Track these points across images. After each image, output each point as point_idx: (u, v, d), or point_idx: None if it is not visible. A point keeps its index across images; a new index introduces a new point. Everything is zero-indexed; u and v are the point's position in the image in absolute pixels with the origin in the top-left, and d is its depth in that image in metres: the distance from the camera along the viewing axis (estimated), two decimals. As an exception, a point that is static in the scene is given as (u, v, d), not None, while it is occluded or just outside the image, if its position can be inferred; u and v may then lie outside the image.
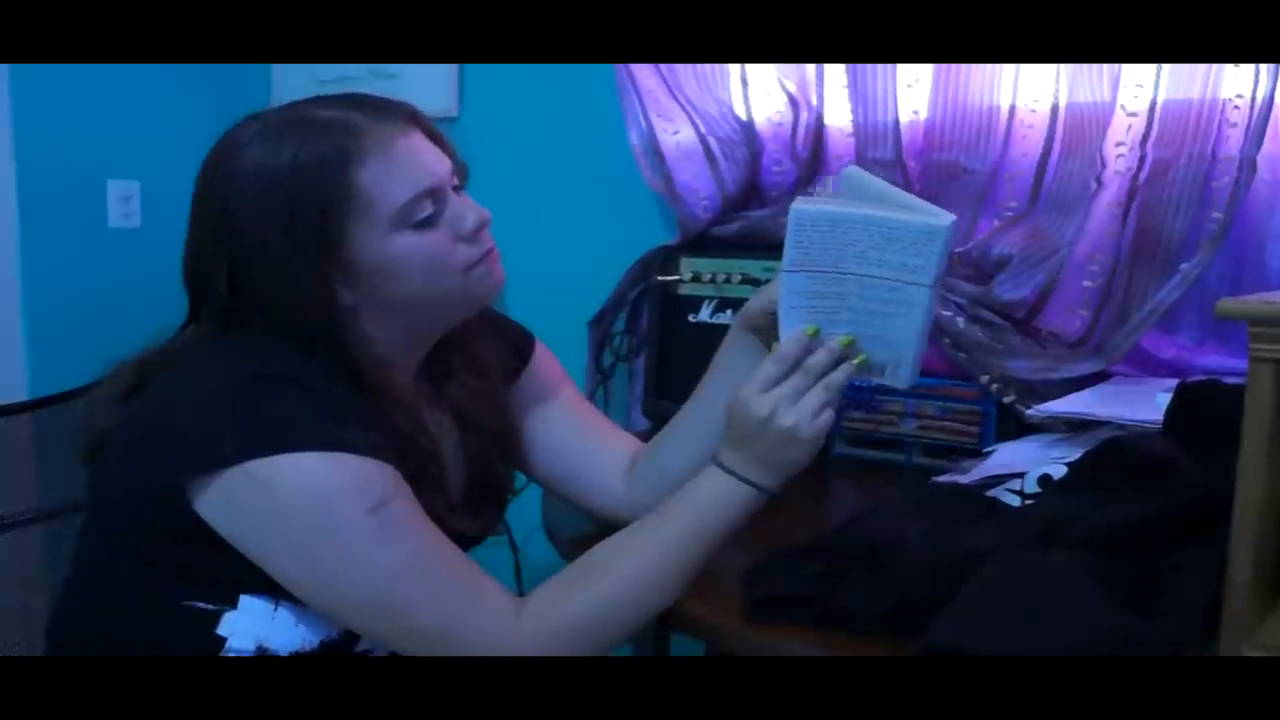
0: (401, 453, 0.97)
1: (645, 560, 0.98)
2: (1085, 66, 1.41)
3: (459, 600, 0.94)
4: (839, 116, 1.65)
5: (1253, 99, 1.30)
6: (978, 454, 1.41)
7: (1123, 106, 1.40)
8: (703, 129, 1.75)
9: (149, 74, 2.16)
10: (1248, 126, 1.31)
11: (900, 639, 0.89)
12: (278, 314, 0.97)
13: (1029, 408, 1.39)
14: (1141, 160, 1.40)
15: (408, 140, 0.99)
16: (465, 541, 1.03)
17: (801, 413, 0.96)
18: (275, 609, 0.97)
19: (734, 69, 1.73)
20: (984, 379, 1.48)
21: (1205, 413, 1.02)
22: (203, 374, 0.96)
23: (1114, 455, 1.02)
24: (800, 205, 0.96)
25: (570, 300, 1.90)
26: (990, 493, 1.13)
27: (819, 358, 0.97)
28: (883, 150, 1.57)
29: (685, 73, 1.73)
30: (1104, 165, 1.42)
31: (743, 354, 1.08)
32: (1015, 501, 1.10)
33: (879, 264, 0.95)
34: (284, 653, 0.97)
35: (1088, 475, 1.04)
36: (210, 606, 0.96)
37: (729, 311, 1.68)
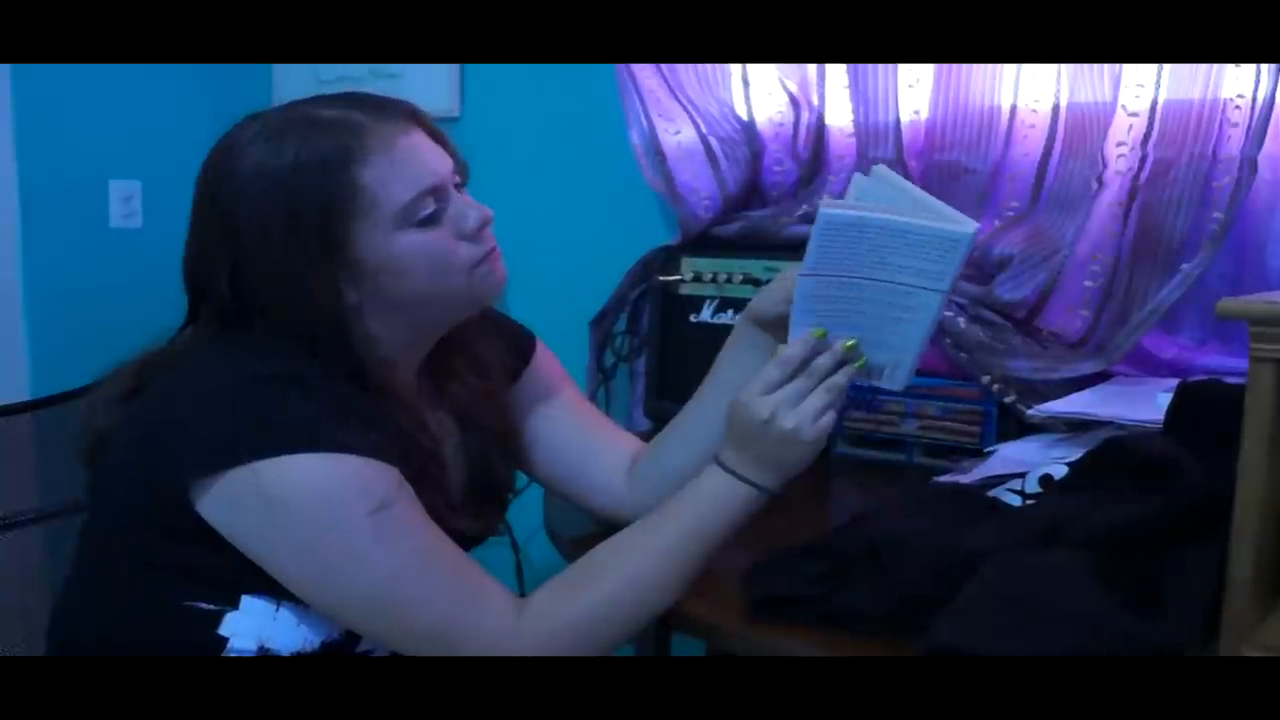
0: (403, 452, 0.97)
1: (646, 560, 0.98)
2: (1086, 67, 1.41)
3: (460, 600, 0.94)
4: (840, 116, 1.65)
5: (1254, 99, 1.30)
6: (979, 454, 1.41)
7: (1124, 106, 1.40)
8: (704, 129, 1.75)
9: (151, 74, 2.17)
10: (1249, 126, 1.31)
11: (901, 639, 0.89)
12: (280, 314, 0.97)
13: (1030, 408, 1.39)
14: (1142, 160, 1.40)
15: (409, 139, 0.99)
16: (467, 541, 1.03)
17: (802, 415, 0.96)
18: (277, 609, 0.97)
19: (735, 69, 1.73)
20: (985, 379, 1.48)
21: (1206, 413, 1.02)
22: (204, 374, 0.96)
23: (1115, 455, 1.02)
24: (828, 209, 0.94)
25: (571, 300, 1.90)
26: (991, 493, 1.13)
27: (823, 360, 0.97)
28: (884, 150, 1.58)
29: (686, 73, 1.73)
30: (1105, 165, 1.42)
31: (749, 351, 1.08)
32: (1016, 501, 1.10)
33: (898, 269, 0.94)
34: (285, 653, 0.97)
35: (1088, 475, 1.05)
36: (212, 607, 0.96)
37: (730, 311, 1.68)
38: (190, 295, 1.03)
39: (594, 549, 1.00)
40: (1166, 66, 1.37)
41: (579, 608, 0.96)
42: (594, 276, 1.89)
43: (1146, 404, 1.21)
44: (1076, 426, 1.31)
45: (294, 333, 0.96)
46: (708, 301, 1.72)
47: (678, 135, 1.78)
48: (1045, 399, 1.37)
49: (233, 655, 0.96)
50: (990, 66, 1.51)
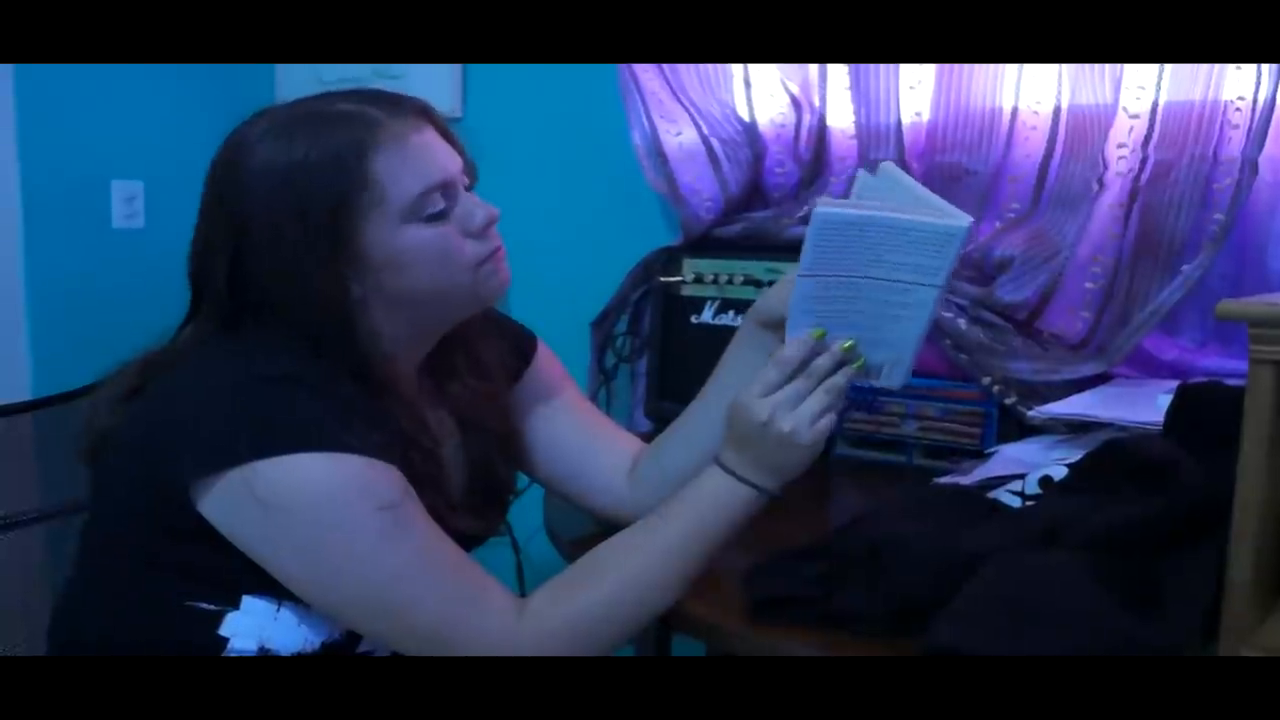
0: (404, 452, 0.97)
1: (646, 560, 0.98)
2: (1087, 69, 1.41)
3: (461, 600, 0.94)
4: (842, 118, 1.66)
5: (1254, 101, 1.30)
6: (979, 455, 1.41)
7: (1125, 108, 1.41)
8: (705, 130, 1.75)
9: (153, 74, 2.17)
10: (1249, 128, 1.31)
11: (901, 640, 0.89)
12: (284, 309, 0.97)
13: (1030, 409, 1.39)
14: (1143, 162, 1.40)
15: (421, 135, 1.00)
16: (467, 541, 1.03)
17: (800, 418, 0.96)
18: (278, 610, 0.97)
19: (737, 71, 1.73)
20: (985, 380, 1.48)
21: (1206, 414, 1.02)
22: (206, 373, 0.96)
23: (1115, 457, 1.03)
24: (824, 209, 0.93)
25: (573, 301, 1.90)
26: (991, 494, 1.13)
27: (822, 361, 0.97)
28: (885, 152, 1.58)
29: (688, 74, 1.74)
30: (1106, 167, 1.42)
31: (752, 352, 1.08)
32: (1016, 503, 1.10)
33: (894, 266, 0.94)
34: (286, 653, 0.97)
35: (1088, 477, 1.05)
36: (212, 607, 0.96)
37: (731, 313, 1.69)
38: (194, 291, 1.03)
39: (594, 549, 1.00)
40: (1167, 69, 1.37)
41: (579, 607, 0.96)
42: (595, 277, 1.89)
43: (1147, 406, 1.21)
44: (1077, 428, 1.31)
45: (298, 329, 0.97)
46: (709, 302, 1.72)
47: (679, 136, 1.78)
48: (1046, 400, 1.37)
49: (233, 655, 0.96)
50: (992, 69, 1.51)
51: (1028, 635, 0.83)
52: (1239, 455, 0.78)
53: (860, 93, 1.59)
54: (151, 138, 2.21)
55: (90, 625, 1.02)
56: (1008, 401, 1.46)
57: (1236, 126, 1.33)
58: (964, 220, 0.92)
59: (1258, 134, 1.30)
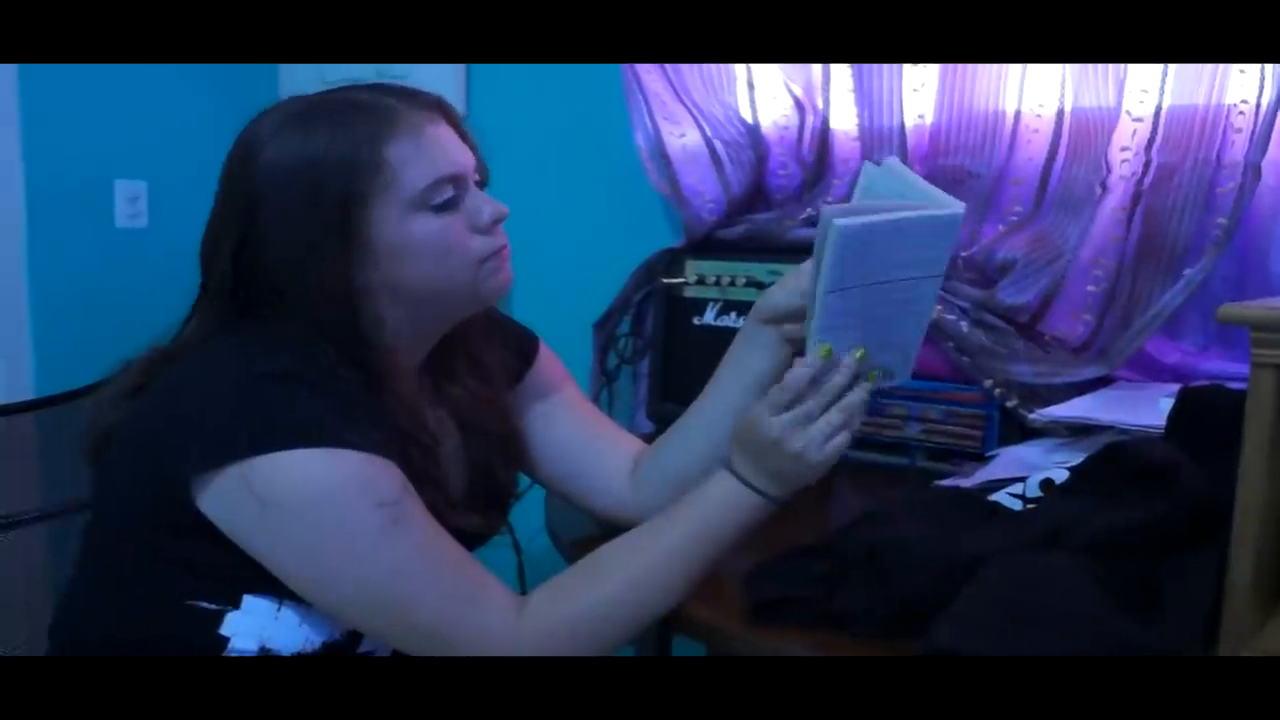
0: (403, 449, 0.97)
1: (649, 561, 0.98)
2: (1090, 72, 1.41)
3: (461, 598, 0.94)
4: (845, 120, 1.66)
5: (1258, 105, 1.30)
6: (980, 458, 1.41)
7: (1128, 112, 1.41)
8: (708, 132, 1.75)
9: (157, 74, 2.17)
10: (1252, 132, 1.31)
11: (901, 641, 0.89)
12: (289, 298, 0.97)
13: (1032, 412, 1.39)
14: (1146, 165, 1.40)
15: (436, 128, 1.01)
16: (468, 540, 1.03)
17: (811, 438, 0.95)
18: (278, 609, 0.97)
19: (740, 73, 1.73)
20: (987, 383, 1.48)
21: (1207, 418, 1.02)
22: (209, 369, 0.96)
23: (1116, 460, 1.02)
24: (842, 223, 0.89)
25: (575, 302, 1.90)
26: (992, 497, 1.13)
27: (839, 378, 0.96)
28: (888, 154, 1.57)
29: (691, 76, 1.74)
30: (1109, 170, 1.42)
31: (755, 349, 1.08)
32: (1017, 505, 1.10)
33: (906, 264, 0.93)
34: (287, 653, 0.97)
35: (1090, 480, 1.05)
36: (213, 606, 0.96)
37: (734, 314, 1.69)
38: (201, 282, 1.03)
39: (598, 549, 1.00)
40: (1171, 72, 1.37)
41: (580, 607, 0.96)
42: (598, 278, 1.89)
43: (1148, 409, 1.21)
44: (1078, 431, 1.31)
45: (302, 318, 0.97)
46: (711, 304, 1.72)
47: (682, 138, 1.78)
48: (1047, 403, 1.37)
49: (234, 655, 0.96)
50: (995, 71, 1.51)
51: (1028, 638, 0.82)
52: (1240, 459, 0.78)
53: (863, 95, 1.59)
54: (155, 138, 2.22)
55: (92, 624, 1.02)
56: (1009, 404, 1.46)
57: (1240, 130, 1.33)
58: (958, 206, 0.93)
59: (1261, 138, 1.30)
